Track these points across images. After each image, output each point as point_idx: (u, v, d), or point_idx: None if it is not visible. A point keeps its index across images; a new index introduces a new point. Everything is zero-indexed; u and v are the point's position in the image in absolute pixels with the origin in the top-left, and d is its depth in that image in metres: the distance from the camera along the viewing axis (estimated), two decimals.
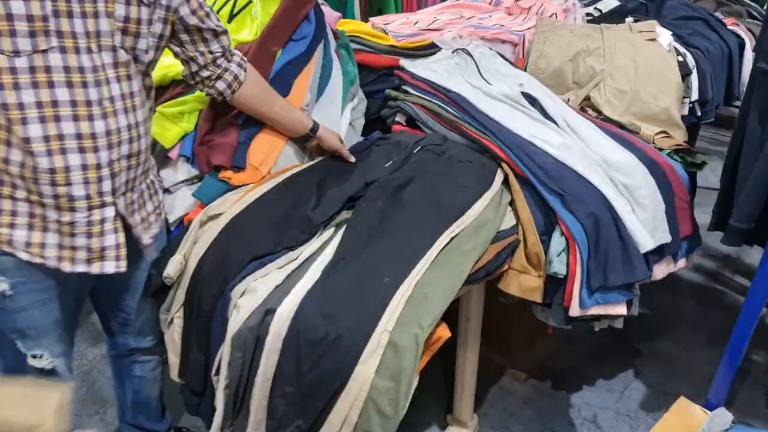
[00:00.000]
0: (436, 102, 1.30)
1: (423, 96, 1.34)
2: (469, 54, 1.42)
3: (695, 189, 1.44)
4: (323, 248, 0.94)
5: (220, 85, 1.01)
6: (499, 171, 1.15)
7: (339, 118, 1.29)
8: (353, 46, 1.57)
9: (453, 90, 1.29)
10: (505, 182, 1.15)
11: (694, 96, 1.86)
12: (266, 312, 0.81)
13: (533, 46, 1.64)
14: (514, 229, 1.07)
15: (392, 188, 1.04)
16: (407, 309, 0.80)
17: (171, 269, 0.91)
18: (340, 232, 0.97)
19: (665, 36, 1.58)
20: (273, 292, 0.84)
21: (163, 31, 0.87)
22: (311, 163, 1.18)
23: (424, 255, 0.87)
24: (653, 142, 1.41)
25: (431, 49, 1.60)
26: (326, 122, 1.27)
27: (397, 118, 1.40)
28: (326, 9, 1.47)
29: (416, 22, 1.77)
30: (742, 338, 1.08)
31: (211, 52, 0.97)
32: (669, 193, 1.24)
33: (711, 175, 3.70)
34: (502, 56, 1.56)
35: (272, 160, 1.07)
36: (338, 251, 0.91)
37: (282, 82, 1.16)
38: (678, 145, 1.42)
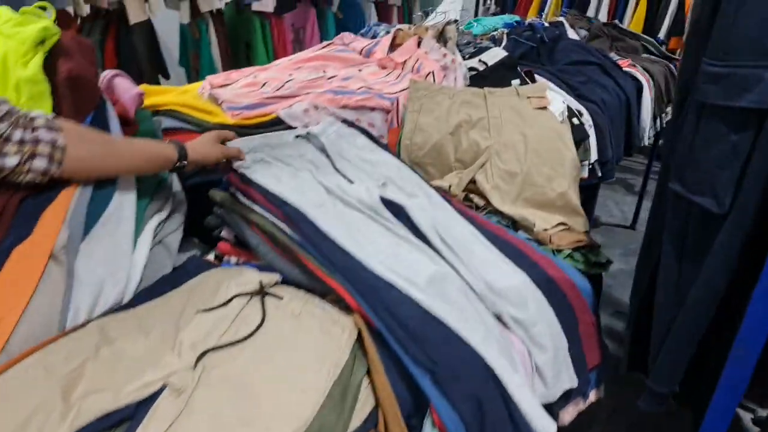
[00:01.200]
0: (270, 218, 1.02)
1: (253, 207, 1.05)
2: (316, 138, 1.16)
3: (600, 291, 1.28)
4: None
5: (39, 164, 0.83)
6: (350, 326, 0.89)
7: (130, 247, 0.97)
8: (170, 124, 1.27)
9: (289, 201, 1.01)
10: (360, 339, 0.89)
11: (594, 157, 1.75)
12: None
13: (407, 116, 1.42)
14: (372, 420, 0.80)
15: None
16: None
17: None
18: None
19: (557, 103, 1.42)
20: None
21: None
22: (72, 336, 0.84)
23: None
24: (550, 241, 1.23)
25: (274, 126, 1.33)
26: (109, 257, 0.94)
27: (225, 233, 1.10)
28: (122, 81, 1.15)
29: (264, 83, 1.49)
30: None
31: None
32: (572, 320, 1.05)
33: (614, 209, 3.76)
34: (367, 133, 1.32)
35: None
36: None
37: (20, 219, 0.82)
38: (578, 241, 1.25)
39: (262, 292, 0.92)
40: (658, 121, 2.43)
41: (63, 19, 2.19)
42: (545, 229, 1.25)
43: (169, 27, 2.72)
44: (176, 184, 1.18)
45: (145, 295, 0.95)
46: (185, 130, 1.26)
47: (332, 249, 0.94)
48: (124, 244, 0.96)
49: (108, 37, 2.21)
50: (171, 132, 1.25)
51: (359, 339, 0.89)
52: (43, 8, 1.04)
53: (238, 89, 1.47)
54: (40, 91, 0.89)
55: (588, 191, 2.03)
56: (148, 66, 2.36)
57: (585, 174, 1.71)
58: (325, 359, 0.83)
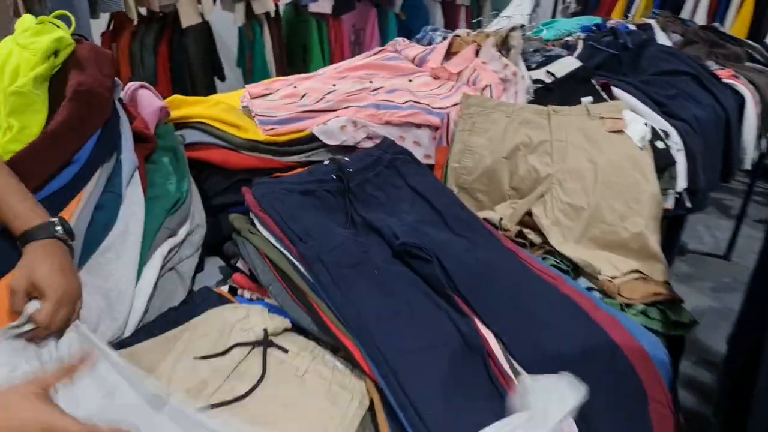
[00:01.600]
0: (286, 253, 0.92)
1: (269, 238, 0.96)
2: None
3: (680, 357, 1.09)
4: None
5: None
6: (362, 393, 0.77)
7: (132, 278, 0.90)
8: (196, 138, 1.21)
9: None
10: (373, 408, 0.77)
11: (681, 185, 1.54)
12: None
13: (456, 135, 1.29)
14: None
15: None
16: None
17: None
18: None
19: (636, 125, 1.24)
20: None
21: None
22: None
23: None
24: (618, 293, 1.05)
25: (308, 143, 1.24)
26: (109, 288, 0.88)
27: (241, 264, 1.02)
28: (145, 94, 1.10)
29: (303, 95, 1.41)
30: None
31: None
32: (639, 398, 0.88)
33: (706, 234, 3.36)
34: (410, 155, 1.21)
35: None
36: None
37: (3, 249, 0.78)
38: (655, 294, 1.07)
39: (265, 342, 0.82)
40: (764, 141, 2.13)
41: (120, 22, 2.24)
42: (613, 278, 1.08)
43: (228, 27, 2.73)
44: (197, 203, 1.12)
45: (146, 332, 0.89)
46: (212, 145, 1.20)
47: (344, 302, 0.83)
48: (127, 274, 0.90)
49: (162, 40, 2.23)
50: (196, 147, 1.19)
51: (372, 408, 0.77)
52: (65, 17, 1.00)
53: (277, 100, 1.39)
54: (26, 104, 0.85)
55: (674, 220, 1.81)
56: (201, 69, 2.36)
57: (670, 204, 1.50)
58: None
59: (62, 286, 0.71)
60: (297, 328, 0.88)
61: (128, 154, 0.93)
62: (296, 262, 0.90)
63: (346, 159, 1.15)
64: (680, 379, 2.08)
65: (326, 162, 1.15)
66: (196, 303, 0.95)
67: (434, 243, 0.95)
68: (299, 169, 1.23)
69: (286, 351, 0.82)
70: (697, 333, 2.27)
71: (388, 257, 0.94)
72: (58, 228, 0.75)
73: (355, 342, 0.79)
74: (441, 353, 0.79)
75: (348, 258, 0.89)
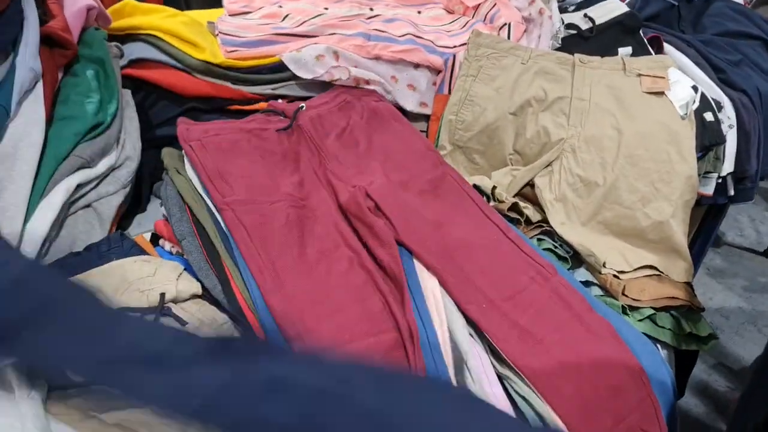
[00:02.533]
0: (208, 202, 0.76)
1: (194, 181, 0.80)
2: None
3: (691, 369, 0.92)
4: None
5: None
6: None
7: (20, 213, 0.75)
8: (143, 53, 1.04)
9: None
10: None
11: (728, 169, 1.32)
12: None
13: (458, 80, 1.09)
14: None
15: None
16: None
17: None
18: None
19: (682, 87, 1.02)
20: None
21: None
22: None
23: None
24: (623, 293, 0.87)
25: (274, 73, 1.06)
26: None
27: (164, 209, 0.86)
28: None
29: (286, 16, 1.21)
30: None
31: None
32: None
33: (748, 226, 3.05)
34: (395, 103, 1.01)
35: None
36: None
37: None
38: (670, 298, 0.88)
39: (159, 310, 0.68)
40: None
41: None
42: (621, 272, 0.89)
43: None
44: (131, 131, 0.96)
45: None
46: (162, 64, 1.03)
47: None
48: (13, 208, 0.76)
49: None
50: (144, 65, 1.02)
51: None
52: None
53: (255, 19, 1.20)
54: None
55: (713, 207, 1.59)
56: None
57: (709, 190, 1.29)
58: None
59: None
60: (210, 297, 0.73)
61: (28, 59, 0.77)
62: (218, 215, 0.74)
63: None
64: (692, 384, 1.92)
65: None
66: (101, 251, 0.80)
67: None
68: (263, 104, 1.06)
69: (184, 324, 0.67)
70: (718, 334, 2.09)
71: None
72: None
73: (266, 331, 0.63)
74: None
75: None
